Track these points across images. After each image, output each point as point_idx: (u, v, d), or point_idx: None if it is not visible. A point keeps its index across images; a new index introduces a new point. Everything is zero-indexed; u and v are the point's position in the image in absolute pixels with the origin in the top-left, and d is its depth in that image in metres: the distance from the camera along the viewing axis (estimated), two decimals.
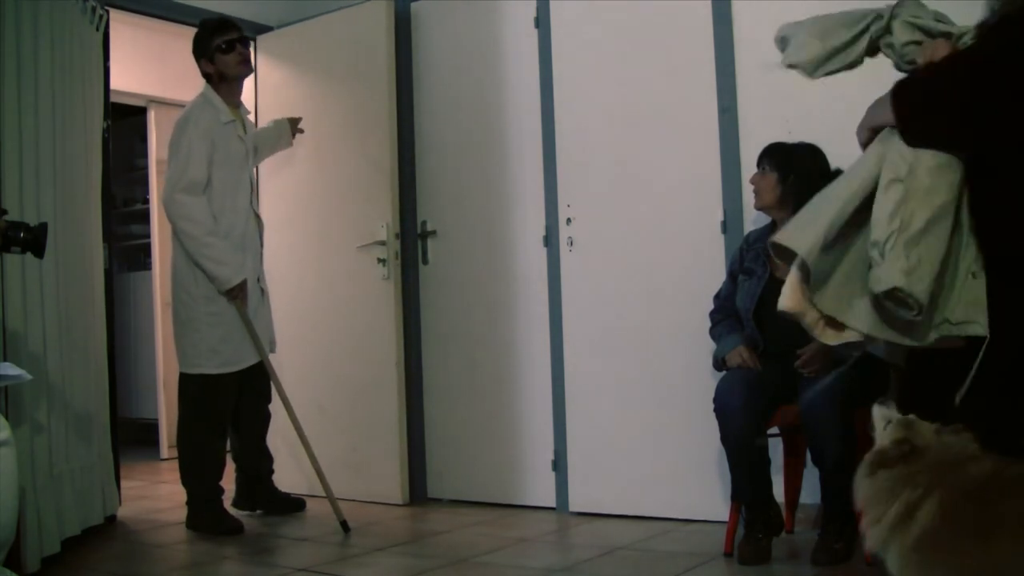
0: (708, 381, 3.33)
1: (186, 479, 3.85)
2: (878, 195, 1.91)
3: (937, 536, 1.47)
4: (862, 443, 2.90)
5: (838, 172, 3.22)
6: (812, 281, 1.94)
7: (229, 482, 3.96)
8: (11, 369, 2.42)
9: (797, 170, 3.15)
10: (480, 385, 4.26)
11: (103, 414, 3.83)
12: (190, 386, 3.82)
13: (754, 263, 3.25)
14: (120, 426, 4.22)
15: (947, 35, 2.08)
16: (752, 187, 3.24)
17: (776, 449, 3.43)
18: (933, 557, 1.45)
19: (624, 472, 3.81)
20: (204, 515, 3.78)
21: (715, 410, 3.07)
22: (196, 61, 3.91)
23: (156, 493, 4.75)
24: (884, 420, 1.75)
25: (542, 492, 4.06)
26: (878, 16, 2.16)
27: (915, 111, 1.99)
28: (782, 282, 3.05)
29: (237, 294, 3.78)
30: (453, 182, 4.39)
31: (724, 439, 3.06)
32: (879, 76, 3.32)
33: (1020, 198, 1.93)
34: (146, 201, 6.32)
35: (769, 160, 3.20)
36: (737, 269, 3.33)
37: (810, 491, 3.33)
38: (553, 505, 4.03)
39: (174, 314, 3.88)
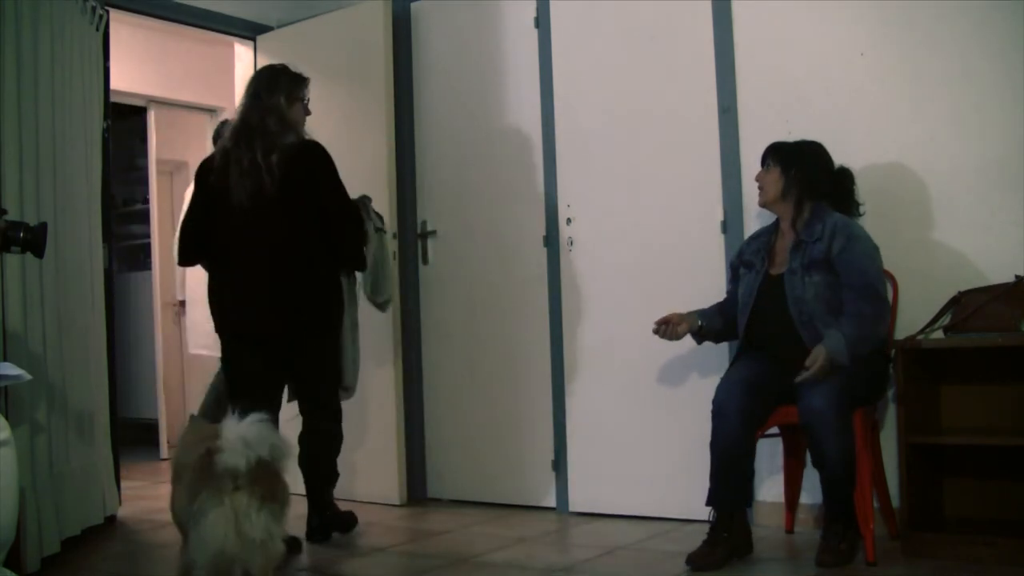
0: (708, 381, 3.33)
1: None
2: None
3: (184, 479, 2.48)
4: (862, 443, 2.92)
5: (843, 171, 3.24)
6: None
7: None
8: (11, 369, 2.42)
9: (800, 163, 3.16)
10: (480, 385, 4.26)
11: (103, 414, 3.83)
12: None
13: (754, 256, 3.25)
14: (120, 426, 4.22)
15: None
16: (757, 185, 3.24)
17: (776, 449, 3.43)
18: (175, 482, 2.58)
19: (624, 472, 3.81)
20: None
21: (712, 411, 3.05)
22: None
23: (156, 493, 4.74)
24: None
25: (542, 492, 4.06)
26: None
27: None
28: (778, 278, 3.10)
29: None
30: (453, 182, 4.39)
31: (713, 441, 3.03)
32: (879, 76, 3.34)
33: None
34: (146, 201, 6.32)
35: (772, 156, 3.20)
36: (737, 263, 3.33)
37: (810, 491, 3.33)
38: (553, 505, 4.03)
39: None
